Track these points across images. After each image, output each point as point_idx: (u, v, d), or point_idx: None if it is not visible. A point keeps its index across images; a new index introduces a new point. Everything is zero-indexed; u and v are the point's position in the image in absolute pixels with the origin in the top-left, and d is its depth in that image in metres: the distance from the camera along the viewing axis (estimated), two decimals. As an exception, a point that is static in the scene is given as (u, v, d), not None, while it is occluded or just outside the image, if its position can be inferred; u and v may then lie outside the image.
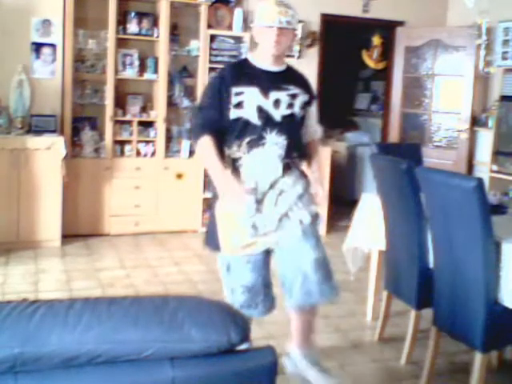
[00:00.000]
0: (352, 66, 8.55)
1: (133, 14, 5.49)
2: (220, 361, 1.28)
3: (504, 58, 5.85)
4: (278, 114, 2.64)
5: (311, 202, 2.74)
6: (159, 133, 5.63)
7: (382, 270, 3.69)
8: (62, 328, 1.18)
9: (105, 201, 5.47)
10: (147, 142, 5.64)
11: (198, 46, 5.69)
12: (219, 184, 2.64)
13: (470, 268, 2.64)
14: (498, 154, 5.78)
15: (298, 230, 2.65)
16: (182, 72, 5.80)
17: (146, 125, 5.65)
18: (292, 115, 2.69)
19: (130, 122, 5.57)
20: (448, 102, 6.40)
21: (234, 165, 2.65)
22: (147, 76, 5.59)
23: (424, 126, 6.59)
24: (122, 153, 5.55)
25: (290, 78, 2.75)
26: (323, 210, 5.96)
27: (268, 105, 2.63)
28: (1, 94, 5.06)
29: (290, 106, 2.68)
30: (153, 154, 5.64)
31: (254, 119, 2.61)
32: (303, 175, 2.79)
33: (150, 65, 5.58)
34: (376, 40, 7.58)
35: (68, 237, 5.19)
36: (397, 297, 3.41)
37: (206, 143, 2.63)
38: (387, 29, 6.84)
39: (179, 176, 5.69)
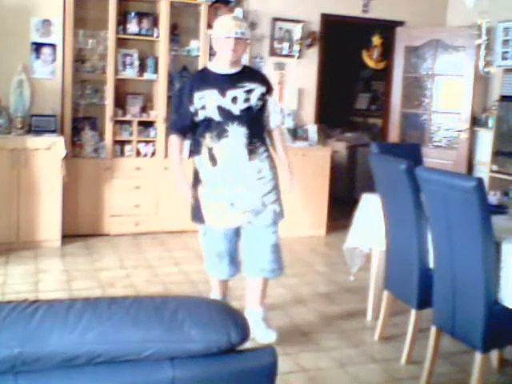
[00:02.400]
0: (352, 66, 8.55)
1: (133, 14, 5.49)
2: (220, 361, 1.28)
3: (504, 58, 5.85)
4: (236, 109, 3.15)
5: (278, 198, 3.32)
6: (159, 133, 5.63)
7: (381, 269, 3.69)
8: (62, 328, 1.18)
9: (105, 201, 5.47)
10: (147, 141, 5.64)
11: (198, 46, 5.69)
12: (177, 183, 3.30)
13: (470, 268, 2.64)
14: (498, 154, 5.78)
15: (270, 218, 3.26)
16: (181, 72, 5.80)
17: (146, 125, 5.65)
18: (249, 108, 3.18)
19: (130, 122, 5.57)
20: (448, 101, 6.40)
21: (210, 152, 3.20)
22: (147, 76, 5.59)
23: (424, 126, 6.59)
24: (122, 153, 5.55)
25: (245, 76, 3.23)
26: (323, 209, 5.97)
27: (226, 103, 3.14)
28: (1, 94, 5.06)
29: (247, 100, 3.18)
30: (153, 154, 5.64)
31: (216, 116, 3.15)
32: (273, 166, 3.32)
33: (150, 65, 5.59)
34: (376, 40, 7.57)
35: (68, 237, 5.19)
36: (397, 297, 3.41)
37: (173, 142, 3.32)
38: (387, 29, 6.84)
39: (179, 176, 5.69)
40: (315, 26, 6.26)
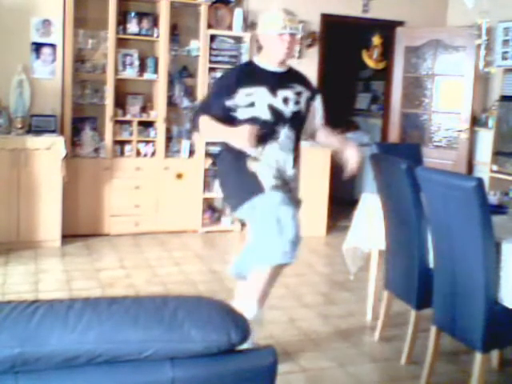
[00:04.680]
0: (352, 66, 8.54)
1: (133, 14, 5.49)
2: (220, 361, 1.28)
3: (504, 58, 5.85)
4: (288, 111, 2.89)
5: (298, 192, 3.07)
6: (159, 133, 5.63)
7: (381, 269, 3.69)
8: (62, 328, 1.18)
9: (105, 201, 5.47)
10: (147, 141, 5.64)
11: (198, 46, 5.69)
12: (229, 135, 2.80)
13: (470, 268, 2.64)
14: (498, 154, 5.78)
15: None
16: (181, 72, 5.80)
17: (146, 125, 5.65)
18: (299, 112, 2.94)
19: (130, 122, 5.57)
20: (448, 101, 6.41)
21: (254, 158, 2.86)
22: (147, 76, 5.59)
23: (424, 126, 6.59)
24: (122, 153, 5.55)
25: (293, 77, 3.00)
26: (323, 209, 5.97)
27: (278, 102, 2.87)
28: (1, 94, 5.05)
29: (297, 103, 2.93)
30: (153, 154, 5.64)
31: (267, 116, 2.85)
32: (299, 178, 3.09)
33: (150, 65, 5.59)
34: (376, 40, 7.57)
35: (68, 237, 5.19)
36: (397, 297, 3.41)
37: (205, 120, 2.86)
38: (387, 29, 6.84)
39: (179, 176, 5.70)
40: (315, 26, 6.26)
